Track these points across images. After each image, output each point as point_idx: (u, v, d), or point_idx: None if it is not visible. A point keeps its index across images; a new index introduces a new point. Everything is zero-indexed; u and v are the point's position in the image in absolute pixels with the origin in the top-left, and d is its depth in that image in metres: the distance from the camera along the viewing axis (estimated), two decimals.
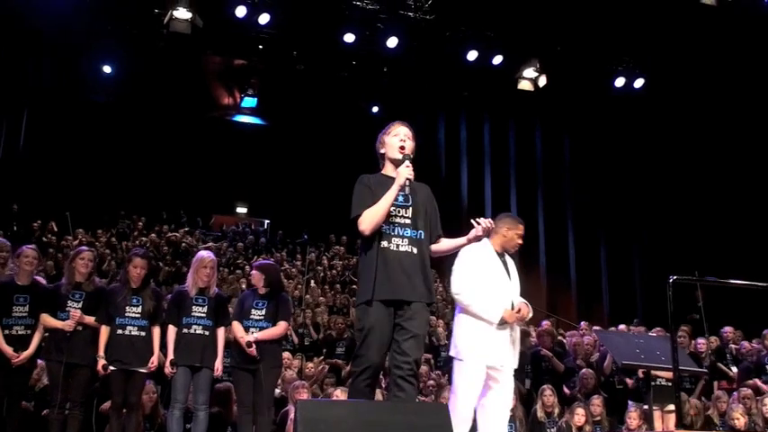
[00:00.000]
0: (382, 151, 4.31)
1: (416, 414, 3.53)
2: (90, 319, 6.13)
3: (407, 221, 4.09)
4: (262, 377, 6.16)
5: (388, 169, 4.24)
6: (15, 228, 14.91)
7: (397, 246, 4.03)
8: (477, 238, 4.13)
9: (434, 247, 4.24)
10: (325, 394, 8.15)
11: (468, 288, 4.91)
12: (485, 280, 4.94)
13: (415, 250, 4.06)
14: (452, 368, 5.00)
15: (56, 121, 17.70)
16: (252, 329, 6.26)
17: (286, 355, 8.65)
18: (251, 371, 6.19)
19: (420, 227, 4.13)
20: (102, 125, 18.46)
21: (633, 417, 7.36)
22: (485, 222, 4.06)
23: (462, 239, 4.19)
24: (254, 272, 6.61)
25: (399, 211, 4.09)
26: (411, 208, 4.13)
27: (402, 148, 4.18)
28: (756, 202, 14.50)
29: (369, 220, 4.00)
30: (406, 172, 4.03)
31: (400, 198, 4.08)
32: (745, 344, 9.52)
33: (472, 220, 4.09)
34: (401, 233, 4.06)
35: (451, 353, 5.00)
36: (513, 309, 4.92)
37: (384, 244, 4.02)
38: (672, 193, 16.78)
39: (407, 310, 3.99)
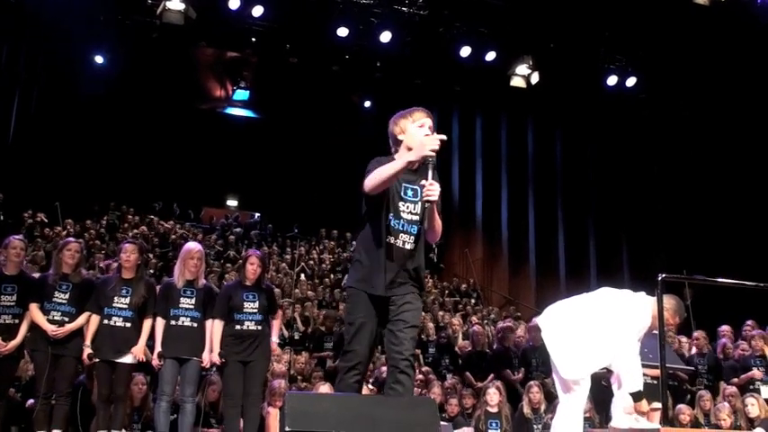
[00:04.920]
0: (401, 137, 3.93)
1: (404, 408, 3.52)
2: (75, 325, 6.09)
3: (415, 218, 3.86)
4: (253, 369, 6.18)
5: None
6: (2, 218, 14.81)
7: (404, 243, 3.84)
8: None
9: None
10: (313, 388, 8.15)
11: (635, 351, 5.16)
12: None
13: (416, 247, 3.89)
14: (566, 385, 5.22)
15: (46, 111, 17.61)
16: (247, 322, 6.23)
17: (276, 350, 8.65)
18: (242, 362, 6.18)
19: (425, 224, 3.87)
20: (93, 115, 18.38)
21: None
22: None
23: None
24: (256, 260, 6.46)
25: (408, 206, 3.85)
26: (420, 203, 3.86)
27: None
28: (747, 201, 14.57)
29: (373, 178, 3.70)
30: (431, 144, 3.60)
31: (410, 192, 3.86)
32: (727, 342, 9.47)
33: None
34: (408, 229, 3.85)
35: (574, 375, 5.17)
36: None
37: (390, 239, 3.83)
38: (662, 191, 16.85)
39: (401, 300, 3.84)
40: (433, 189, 3.64)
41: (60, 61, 17.50)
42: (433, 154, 3.62)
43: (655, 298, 5.05)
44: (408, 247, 3.85)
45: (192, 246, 6.52)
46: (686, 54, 14.71)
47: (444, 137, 3.69)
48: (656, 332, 5.10)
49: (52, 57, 17.39)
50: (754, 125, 14.53)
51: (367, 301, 3.86)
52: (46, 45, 16.97)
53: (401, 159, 3.70)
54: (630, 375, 5.08)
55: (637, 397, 5.06)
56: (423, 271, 4.00)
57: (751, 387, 8.06)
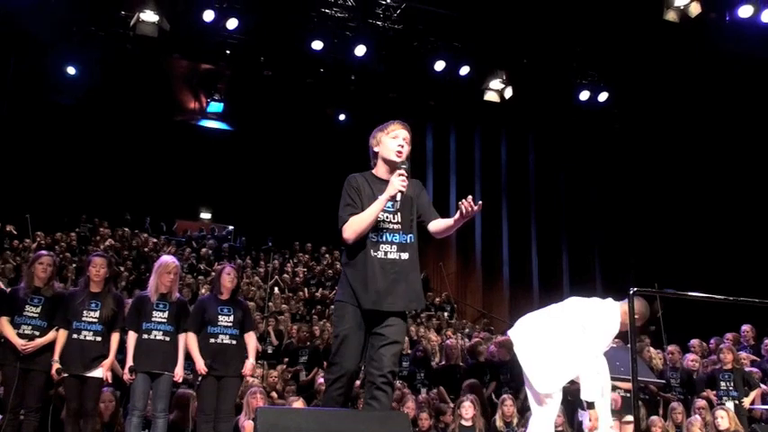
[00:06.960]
0: (376, 149, 4.06)
1: (377, 423, 3.51)
2: (45, 340, 6.00)
3: (396, 227, 3.94)
4: (226, 383, 6.14)
5: (381, 170, 4.05)
6: None
7: (386, 253, 3.88)
8: (462, 218, 3.93)
9: (432, 227, 4.08)
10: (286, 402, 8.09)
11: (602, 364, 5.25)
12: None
13: (403, 256, 3.92)
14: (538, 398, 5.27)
15: (18, 122, 17.39)
16: (221, 336, 6.19)
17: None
18: (216, 377, 6.13)
19: (409, 230, 3.98)
20: (65, 127, 18.21)
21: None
22: (467, 204, 3.87)
23: (451, 220, 4.02)
24: (232, 271, 6.45)
25: (388, 217, 3.93)
26: (400, 212, 3.97)
27: (400, 152, 3.96)
28: (717, 215, 14.74)
29: (353, 228, 3.85)
30: (398, 184, 3.83)
31: (389, 204, 3.91)
32: (692, 356, 9.52)
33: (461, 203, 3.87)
34: (390, 239, 3.91)
35: (547, 388, 5.22)
36: None
37: (372, 253, 3.87)
38: (634, 204, 17.01)
39: (387, 314, 3.87)
40: (403, 179, 3.83)
41: (32, 72, 17.30)
42: (404, 190, 3.86)
43: (621, 302, 5.12)
44: (391, 256, 3.88)
45: (168, 260, 6.45)
46: (657, 70, 14.91)
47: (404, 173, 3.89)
48: (628, 345, 5.14)
49: (24, 67, 17.19)
50: (724, 140, 14.74)
51: (354, 313, 3.87)
52: (17, 55, 16.79)
53: (378, 202, 3.85)
54: (591, 382, 5.11)
55: (591, 406, 5.10)
56: (417, 277, 3.99)
57: (718, 402, 8.13)
